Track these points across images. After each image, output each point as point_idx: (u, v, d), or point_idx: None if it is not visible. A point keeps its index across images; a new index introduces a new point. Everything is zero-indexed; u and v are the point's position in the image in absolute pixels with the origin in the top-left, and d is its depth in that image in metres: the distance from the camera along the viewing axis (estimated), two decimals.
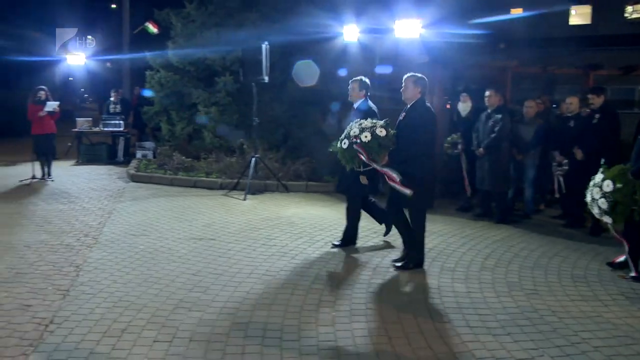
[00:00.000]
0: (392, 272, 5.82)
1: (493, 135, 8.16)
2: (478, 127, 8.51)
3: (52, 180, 11.32)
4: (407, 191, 5.61)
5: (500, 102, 8.41)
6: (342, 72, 11.82)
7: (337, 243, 6.67)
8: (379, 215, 7.00)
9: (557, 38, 14.95)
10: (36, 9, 30.30)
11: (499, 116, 8.18)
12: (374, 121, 5.83)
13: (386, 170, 5.72)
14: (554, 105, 10.92)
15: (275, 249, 6.56)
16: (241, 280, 5.49)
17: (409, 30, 9.88)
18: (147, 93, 13.85)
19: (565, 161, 8.12)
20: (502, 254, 6.63)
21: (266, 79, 10.02)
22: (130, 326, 4.37)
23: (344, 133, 5.92)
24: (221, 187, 10.55)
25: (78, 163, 14.19)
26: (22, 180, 11.12)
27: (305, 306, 4.86)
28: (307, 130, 12.20)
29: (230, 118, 12.30)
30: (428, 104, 5.91)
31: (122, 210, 8.59)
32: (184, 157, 12.02)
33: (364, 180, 6.23)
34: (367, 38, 11.14)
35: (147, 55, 14.01)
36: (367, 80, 6.75)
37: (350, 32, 10.90)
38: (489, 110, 8.36)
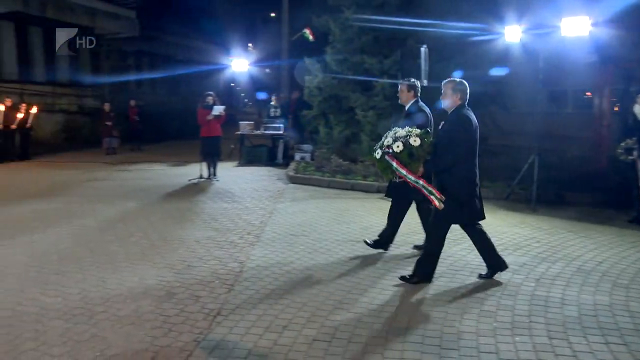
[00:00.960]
0: (557, 284, 5.48)
1: None
2: None
3: (217, 180, 12.03)
4: (437, 203, 5.29)
5: None
6: (502, 74, 11.43)
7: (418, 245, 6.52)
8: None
9: None
10: (205, 21, 32.39)
11: None
12: (411, 129, 5.47)
13: (417, 184, 5.39)
14: None
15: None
16: (400, 284, 5.45)
17: (577, 28, 9.29)
18: (262, 96, 14.26)
19: None
20: None
21: (425, 82, 9.91)
22: (291, 323, 4.50)
23: (379, 142, 5.64)
24: (378, 190, 10.57)
25: (240, 164, 14.98)
26: (191, 180, 11.97)
27: (466, 314, 4.71)
28: None
29: (388, 122, 12.29)
30: (467, 112, 5.39)
31: (282, 211, 8.91)
32: (341, 160, 12.23)
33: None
34: (530, 38, 10.65)
35: (306, 60, 14.43)
36: (417, 82, 6.59)
37: (512, 33, 10.46)
38: None
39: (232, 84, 38.70)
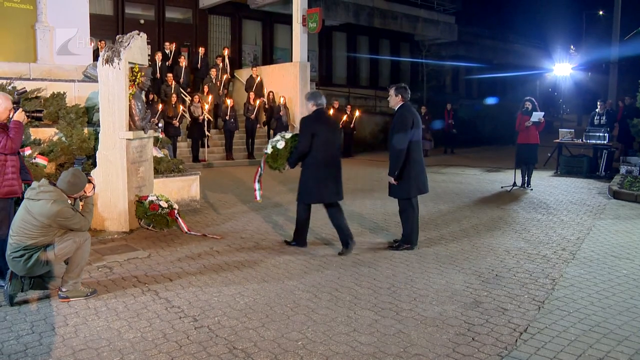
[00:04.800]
0: None
1: None
2: None
3: (531, 189, 11.56)
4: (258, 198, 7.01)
5: None
6: None
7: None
8: None
9: None
10: (524, 24, 31.66)
11: None
12: (284, 134, 6.79)
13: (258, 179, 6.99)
14: None
15: None
16: None
17: None
18: (492, 100, 12.83)
19: None
20: None
21: None
22: (608, 357, 4.03)
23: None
24: None
25: (556, 174, 14.20)
26: (503, 187, 11.72)
27: None
28: None
29: None
30: (314, 114, 6.55)
31: (602, 228, 8.14)
32: None
33: None
34: None
35: None
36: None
37: None
38: None
39: (550, 89, 36.88)
